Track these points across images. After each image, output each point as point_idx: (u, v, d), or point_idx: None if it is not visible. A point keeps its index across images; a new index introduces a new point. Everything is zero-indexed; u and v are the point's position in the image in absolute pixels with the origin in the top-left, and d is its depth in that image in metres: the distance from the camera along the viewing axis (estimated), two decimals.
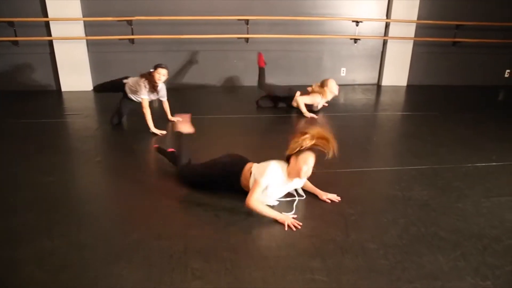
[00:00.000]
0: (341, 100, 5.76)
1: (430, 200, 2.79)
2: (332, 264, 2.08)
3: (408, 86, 6.94)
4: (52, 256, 2.12)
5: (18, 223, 2.44)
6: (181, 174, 2.94)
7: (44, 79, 6.19)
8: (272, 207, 2.57)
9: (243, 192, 2.61)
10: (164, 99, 4.52)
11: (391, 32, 6.62)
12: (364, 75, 7.00)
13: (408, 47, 6.76)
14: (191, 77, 6.54)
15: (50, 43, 5.98)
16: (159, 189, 2.89)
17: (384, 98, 6.16)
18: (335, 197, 2.77)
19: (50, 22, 5.80)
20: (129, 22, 6.01)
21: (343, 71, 6.90)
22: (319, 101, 4.92)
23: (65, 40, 5.91)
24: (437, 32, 6.71)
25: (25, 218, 2.49)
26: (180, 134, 3.05)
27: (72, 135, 4.20)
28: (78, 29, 5.91)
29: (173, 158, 3.08)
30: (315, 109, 4.96)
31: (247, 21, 6.22)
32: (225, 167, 2.73)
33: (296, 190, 2.77)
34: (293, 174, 2.51)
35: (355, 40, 6.69)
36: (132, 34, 6.08)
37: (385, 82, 6.93)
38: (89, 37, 6.03)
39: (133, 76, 4.37)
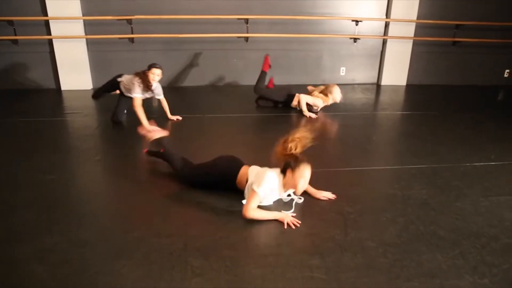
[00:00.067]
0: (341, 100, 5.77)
1: (429, 199, 2.80)
2: (331, 262, 2.09)
3: (407, 85, 6.95)
4: (52, 254, 2.12)
5: (18, 221, 2.45)
6: (180, 174, 2.94)
7: (44, 78, 6.19)
8: (268, 207, 2.58)
9: (241, 191, 2.64)
10: (161, 97, 4.53)
11: (391, 32, 6.63)
12: (363, 75, 7.01)
13: (408, 46, 6.77)
14: (190, 76, 6.55)
15: (50, 42, 5.99)
16: (158, 187, 2.90)
17: (384, 97, 6.17)
18: (330, 195, 2.78)
19: (50, 21, 5.80)
20: (129, 21, 6.02)
21: (342, 71, 6.91)
22: (320, 104, 4.93)
23: (64, 39, 5.91)
24: (436, 31, 6.72)
25: (25, 217, 2.49)
26: (158, 141, 3.01)
27: (72, 134, 4.20)
28: (78, 28, 5.92)
29: (166, 158, 3.07)
30: (314, 110, 4.96)
31: (246, 20, 6.22)
32: (220, 172, 2.73)
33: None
34: (289, 186, 2.53)
35: (355, 40, 6.70)
36: (132, 33, 6.09)
37: (384, 81, 6.94)
38: (88, 36, 6.03)
39: (129, 74, 4.36)
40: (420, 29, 6.68)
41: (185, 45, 6.30)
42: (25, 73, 6.12)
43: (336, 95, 4.94)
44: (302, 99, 4.86)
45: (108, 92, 4.57)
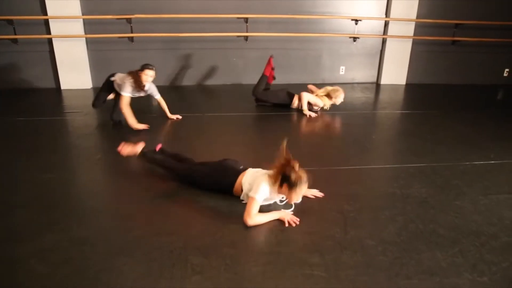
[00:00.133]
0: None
1: (428, 198, 2.81)
2: (331, 260, 2.09)
3: (407, 84, 6.95)
4: (53, 252, 2.13)
5: (18, 220, 2.45)
6: (180, 176, 2.94)
7: (44, 77, 6.19)
8: (268, 206, 2.58)
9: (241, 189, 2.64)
10: (158, 96, 4.51)
11: (390, 31, 6.64)
12: (363, 74, 7.02)
13: (407, 45, 6.77)
14: (190, 75, 6.55)
15: (50, 41, 5.99)
16: (159, 186, 2.90)
17: (383, 96, 6.17)
18: (317, 193, 2.79)
19: (50, 20, 5.80)
20: (129, 20, 6.02)
21: (342, 70, 6.92)
22: (320, 105, 4.93)
23: (64, 38, 5.91)
24: (436, 31, 6.73)
25: (25, 216, 2.50)
26: (142, 155, 2.93)
27: (72, 133, 4.20)
28: (78, 27, 5.92)
29: (161, 165, 3.03)
30: (315, 110, 4.97)
31: (246, 20, 6.23)
32: (216, 182, 2.71)
33: None
34: (284, 194, 2.52)
35: (354, 39, 6.71)
36: (132, 32, 6.09)
37: (384, 80, 6.95)
38: (88, 35, 6.03)
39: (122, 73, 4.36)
40: (419, 28, 6.69)
41: (185, 44, 6.31)
42: (24, 72, 6.12)
43: (338, 101, 4.95)
44: (304, 97, 4.86)
45: (105, 97, 4.51)
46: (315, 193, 2.79)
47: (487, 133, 4.32)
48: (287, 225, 2.39)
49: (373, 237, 2.31)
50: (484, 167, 3.40)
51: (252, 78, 6.32)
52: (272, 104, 5.18)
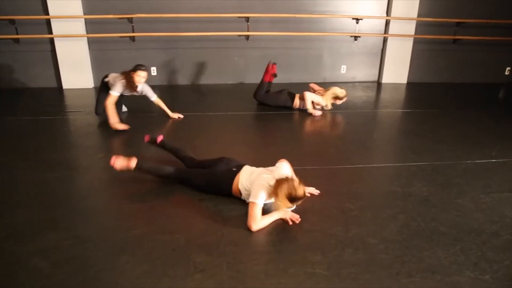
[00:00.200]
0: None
1: (430, 196, 2.82)
2: (333, 258, 2.10)
3: (408, 83, 6.95)
4: (56, 249, 2.15)
5: (22, 218, 2.47)
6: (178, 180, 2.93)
7: (45, 77, 6.21)
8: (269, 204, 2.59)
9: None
10: (154, 98, 4.49)
11: (391, 30, 6.63)
12: (364, 73, 7.01)
13: (408, 44, 6.77)
14: (191, 75, 6.56)
15: (51, 41, 6.00)
16: (160, 185, 2.91)
17: (384, 95, 6.17)
18: (314, 191, 2.81)
19: (51, 19, 5.81)
20: (130, 20, 6.03)
21: (343, 69, 6.91)
22: (322, 104, 4.93)
23: (66, 37, 5.92)
24: (437, 29, 6.72)
25: (28, 214, 2.51)
26: (138, 168, 2.86)
27: (74, 132, 4.21)
28: (79, 27, 5.93)
29: (158, 174, 2.97)
30: (317, 108, 4.97)
31: (247, 19, 6.23)
32: (214, 187, 2.72)
33: None
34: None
35: (355, 38, 6.70)
36: (133, 32, 6.10)
37: (385, 79, 6.95)
38: (90, 35, 6.04)
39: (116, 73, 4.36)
40: (420, 27, 6.68)
41: (186, 43, 6.31)
42: (26, 72, 6.14)
43: (340, 101, 4.96)
44: (308, 97, 4.86)
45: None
46: (312, 191, 2.80)
47: (489, 131, 4.32)
48: (290, 223, 2.39)
49: (374, 235, 2.32)
50: (485, 165, 3.40)
51: (253, 78, 6.34)
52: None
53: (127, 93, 4.34)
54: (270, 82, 5.18)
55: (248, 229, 2.32)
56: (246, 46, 6.49)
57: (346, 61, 6.89)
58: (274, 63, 5.19)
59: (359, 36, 6.68)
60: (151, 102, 4.54)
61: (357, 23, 6.54)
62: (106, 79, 4.35)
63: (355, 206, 2.66)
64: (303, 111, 4.97)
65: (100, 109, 4.40)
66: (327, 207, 2.63)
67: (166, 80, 6.52)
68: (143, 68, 4.21)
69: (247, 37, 6.42)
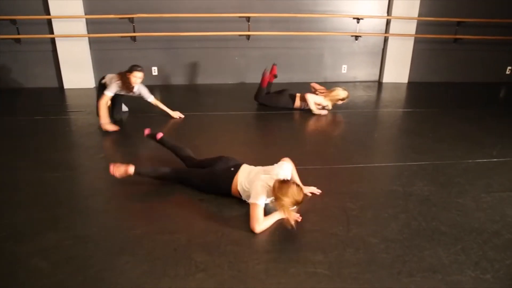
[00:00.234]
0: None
1: (430, 196, 2.82)
2: (334, 258, 2.10)
3: (409, 83, 6.94)
4: (57, 249, 2.15)
5: (22, 218, 2.47)
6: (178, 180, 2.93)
7: (46, 77, 6.21)
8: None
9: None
10: (151, 98, 4.48)
11: (392, 29, 6.63)
12: (365, 72, 7.01)
13: (409, 44, 6.76)
14: (192, 74, 6.56)
15: (53, 41, 6.00)
16: (161, 185, 2.91)
17: (385, 95, 6.17)
18: (315, 190, 2.80)
19: (52, 19, 5.82)
20: (131, 20, 6.03)
21: (344, 68, 6.91)
22: (324, 104, 4.92)
23: (67, 37, 5.93)
24: (438, 29, 6.71)
25: (29, 213, 2.52)
26: (137, 174, 2.85)
27: (75, 132, 4.21)
28: (80, 27, 5.93)
29: (157, 177, 2.96)
30: (319, 108, 4.96)
31: (248, 19, 6.23)
32: (212, 189, 2.72)
33: None
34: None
35: (356, 37, 6.70)
36: (134, 32, 6.10)
37: (386, 79, 6.94)
38: (91, 35, 6.05)
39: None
40: (421, 26, 6.67)
41: (187, 43, 6.31)
42: (27, 71, 6.14)
43: (341, 102, 4.96)
44: (310, 99, 4.85)
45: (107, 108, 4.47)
46: (313, 190, 2.80)
47: (490, 131, 4.32)
48: (292, 222, 2.36)
49: (375, 235, 2.32)
50: (486, 164, 3.40)
51: (254, 77, 6.34)
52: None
53: (123, 93, 4.33)
54: (270, 83, 5.18)
55: (249, 229, 2.32)
56: (246, 46, 6.49)
57: (347, 61, 6.89)
58: (275, 64, 5.18)
59: (360, 36, 6.68)
60: (152, 104, 4.54)
61: (357, 22, 6.54)
62: (103, 81, 4.35)
63: (356, 205, 2.66)
64: (304, 110, 4.97)
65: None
66: (328, 207, 2.63)
67: (167, 80, 6.52)
68: (139, 68, 4.19)
69: (248, 37, 6.42)
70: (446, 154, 3.62)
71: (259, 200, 2.37)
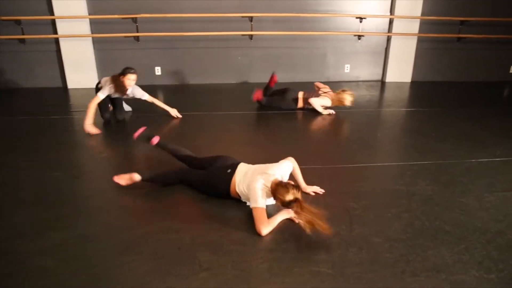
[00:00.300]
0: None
1: (434, 195, 2.82)
2: (337, 257, 2.11)
3: (412, 82, 6.92)
4: (61, 248, 2.17)
5: (26, 216, 2.49)
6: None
7: (51, 77, 6.24)
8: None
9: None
10: (145, 97, 4.49)
11: (395, 28, 6.61)
12: (368, 72, 7.00)
13: (412, 43, 6.74)
14: (195, 74, 6.57)
15: (56, 41, 6.03)
16: (156, 182, 2.91)
17: (388, 94, 6.16)
18: (318, 189, 2.81)
19: (56, 20, 5.84)
20: (134, 20, 6.05)
21: (347, 68, 6.90)
22: (328, 104, 4.92)
23: (71, 37, 5.95)
24: (441, 28, 6.69)
25: (33, 212, 2.54)
26: (144, 179, 2.85)
27: (79, 131, 4.22)
28: (84, 27, 5.96)
29: (162, 182, 2.96)
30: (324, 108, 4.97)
31: (251, 18, 6.23)
32: (211, 191, 2.70)
33: None
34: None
35: (359, 37, 6.69)
36: (137, 32, 6.12)
37: (389, 78, 6.93)
38: (94, 35, 6.07)
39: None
40: (424, 25, 6.65)
41: (190, 43, 6.33)
42: (31, 71, 6.18)
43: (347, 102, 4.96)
44: (315, 104, 4.84)
45: (107, 105, 4.42)
46: (316, 189, 2.81)
47: (493, 130, 4.30)
48: (297, 221, 2.36)
49: (378, 234, 2.32)
50: (489, 164, 3.39)
51: (257, 77, 6.35)
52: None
53: (115, 95, 4.32)
54: (270, 87, 5.14)
55: (253, 229, 2.32)
56: (249, 46, 6.50)
57: (350, 60, 6.88)
58: (274, 73, 5.11)
59: (362, 35, 6.67)
60: (153, 104, 4.56)
61: (360, 22, 6.53)
62: (100, 85, 4.35)
63: (359, 205, 2.66)
64: (306, 110, 4.96)
65: (105, 114, 4.39)
66: (331, 206, 2.63)
67: (170, 79, 6.53)
68: (132, 71, 4.19)
69: (251, 36, 6.43)
70: (449, 153, 3.62)
71: (259, 203, 2.35)
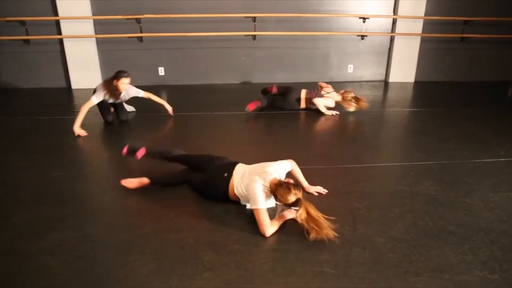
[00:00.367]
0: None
1: (437, 195, 2.81)
2: (340, 257, 2.11)
3: (415, 82, 6.91)
4: (65, 248, 2.18)
5: (31, 216, 2.51)
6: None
7: (55, 77, 6.28)
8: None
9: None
10: (141, 94, 4.48)
11: (398, 29, 6.60)
12: (371, 72, 6.99)
13: (416, 43, 6.73)
14: (198, 75, 6.58)
15: (61, 41, 6.07)
16: (163, 183, 2.92)
17: (391, 94, 6.15)
18: (321, 190, 2.80)
19: (61, 20, 5.88)
20: (138, 20, 6.07)
21: (350, 68, 6.90)
22: (331, 105, 4.92)
23: (75, 38, 5.98)
24: (444, 28, 6.68)
25: (38, 212, 2.55)
26: (155, 183, 2.86)
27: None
28: (88, 28, 5.99)
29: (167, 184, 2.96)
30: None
31: (254, 19, 6.24)
32: (210, 194, 2.68)
33: None
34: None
35: (362, 37, 6.68)
36: (141, 32, 6.14)
37: (392, 78, 6.92)
38: (98, 35, 6.10)
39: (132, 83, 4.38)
40: (428, 25, 6.64)
41: (193, 43, 6.34)
42: (36, 72, 6.22)
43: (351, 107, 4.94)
44: (319, 104, 4.84)
45: (108, 107, 4.45)
46: (319, 190, 2.80)
47: (497, 130, 4.29)
48: (300, 222, 2.34)
49: (382, 235, 2.31)
50: (493, 164, 3.37)
51: (260, 77, 6.36)
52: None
53: (110, 100, 4.30)
54: (271, 94, 5.08)
55: (256, 229, 2.32)
56: (252, 46, 6.50)
57: (353, 61, 6.88)
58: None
59: (366, 35, 6.66)
60: (155, 102, 4.57)
61: (363, 22, 6.52)
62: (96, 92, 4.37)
63: (362, 205, 2.65)
64: (309, 110, 4.96)
65: (108, 116, 4.40)
66: (334, 207, 2.63)
67: (173, 80, 6.55)
68: (126, 74, 4.19)
69: (254, 37, 6.43)
70: (452, 153, 3.61)
71: (260, 204, 2.33)
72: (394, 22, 6.65)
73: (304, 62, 6.73)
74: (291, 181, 2.45)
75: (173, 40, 6.26)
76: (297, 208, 2.31)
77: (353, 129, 4.52)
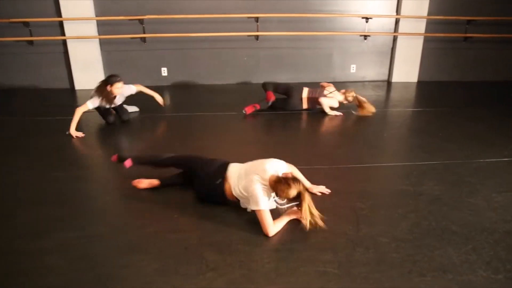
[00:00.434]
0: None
1: (441, 195, 2.80)
2: (344, 257, 2.11)
3: (418, 82, 6.89)
4: (69, 247, 2.19)
5: (35, 216, 2.52)
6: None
7: (58, 78, 6.30)
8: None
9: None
10: (134, 90, 4.49)
11: (401, 28, 6.59)
12: (374, 72, 6.98)
13: (419, 43, 6.71)
14: (201, 75, 6.59)
15: (64, 42, 6.09)
16: (169, 185, 2.93)
17: (394, 94, 6.14)
18: (325, 189, 2.81)
19: (64, 21, 5.90)
20: (141, 21, 6.08)
21: (353, 68, 6.89)
22: (335, 105, 4.91)
23: (78, 39, 6.01)
24: (447, 27, 6.65)
25: (38, 212, 2.57)
26: (165, 184, 2.87)
27: (85, 132, 4.24)
28: (91, 29, 6.01)
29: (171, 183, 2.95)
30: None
31: (257, 19, 6.24)
32: (208, 198, 2.65)
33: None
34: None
35: (365, 37, 6.67)
36: (144, 33, 6.15)
37: (395, 78, 6.90)
38: (101, 36, 6.11)
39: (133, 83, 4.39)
40: (430, 25, 6.62)
41: (196, 43, 6.35)
42: (40, 73, 6.24)
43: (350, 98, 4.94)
44: (324, 104, 4.83)
45: (111, 113, 4.46)
46: (322, 189, 2.81)
47: (500, 130, 4.27)
48: (303, 221, 2.33)
49: (385, 234, 2.32)
50: (497, 164, 3.37)
51: (263, 77, 6.34)
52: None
53: (106, 106, 4.28)
54: (272, 102, 4.98)
55: (259, 229, 2.32)
56: (255, 46, 6.51)
57: (356, 60, 6.87)
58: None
59: (368, 35, 6.65)
60: (157, 102, 4.59)
61: (366, 22, 6.51)
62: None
63: (365, 205, 2.65)
64: (311, 110, 4.96)
65: (109, 116, 4.40)
66: (337, 207, 2.63)
67: (176, 80, 6.57)
68: (119, 79, 4.20)
69: (257, 37, 6.44)
70: (456, 153, 3.60)
71: (262, 205, 2.32)
72: (397, 22, 6.63)
73: (307, 62, 6.72)
74: (289, 175, 2.40)
75: (176, 40, 6.27)
76: (299, 202, 2.34)
77: (356, 129, 4.51)
